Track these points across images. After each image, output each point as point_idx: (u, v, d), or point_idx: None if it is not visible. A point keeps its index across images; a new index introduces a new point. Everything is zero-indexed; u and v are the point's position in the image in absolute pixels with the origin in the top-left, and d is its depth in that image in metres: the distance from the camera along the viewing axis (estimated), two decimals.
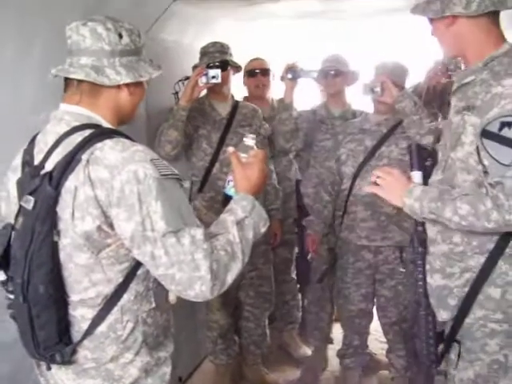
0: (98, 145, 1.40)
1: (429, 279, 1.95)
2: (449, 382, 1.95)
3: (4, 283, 1.50)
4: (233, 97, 3.29)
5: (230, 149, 1.64)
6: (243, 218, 1.49)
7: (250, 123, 3.24)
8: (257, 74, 3.55)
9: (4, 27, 2.03)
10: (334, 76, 3.34)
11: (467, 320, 1.84)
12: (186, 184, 1.49)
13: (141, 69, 1.53)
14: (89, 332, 1.46)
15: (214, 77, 2.90)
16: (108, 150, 1.39)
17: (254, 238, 1.51)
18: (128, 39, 1.51)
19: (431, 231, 1.94)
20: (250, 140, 1.66)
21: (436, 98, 3.63)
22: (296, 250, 3.79)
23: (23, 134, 2.02)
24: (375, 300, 3.22)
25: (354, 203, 3.07)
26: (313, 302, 3.63)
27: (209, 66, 2.99)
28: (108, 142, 1.41)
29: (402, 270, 3.04)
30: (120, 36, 1.50)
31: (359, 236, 3.07)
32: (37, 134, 1.56)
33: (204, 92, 3.17)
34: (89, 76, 1.47)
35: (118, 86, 1.51)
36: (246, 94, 3.69)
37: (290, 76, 3.13)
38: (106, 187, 1.36)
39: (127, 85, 1.52)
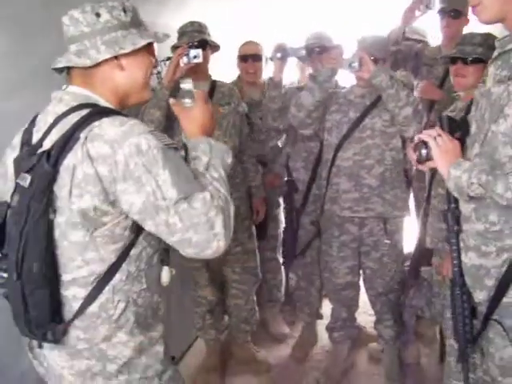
0: (96, 123, 1.41)
1: (463, 257, 1.89)
2: (487, 361, 1.91)
3: None
4: (210, 76, 3.28)
5: (171, 100, 1.68)
6: (209, 161, 1.50)
7: (228, 101, 3.24)
8: (248, 59, 3.59)
9: None
10: (319, 53, 3.33)
11: (505, 299, 1.79)
12: (182, 153, 1.52)
13: (127, 41, 1.52)
14: (80, 311, 1.46)
15: (195, 56, 2.90)
16: (106, 126, 1.40)
17: (226, 173, 1.54)
18: (108, 16, 1.51)
19: (465, 208, 1.86)
20: (187, 84, 1.67)
21: (410, 59, 3.67)
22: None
23: None
24: (361, 272, 3.25)
25: (336, 174, 3.08)
26: (302, 277, 3.67)
27: (189, 46, 2.98)
28: (105, 120, 1.42)
29: (386, 241, 3.08)
30: (98, 15, 1.50)
31: (342, 207, 3.08)
32: (38, 114, 1.56)
33: None
34: (70, 61, 1.50)
35: (109, 64, 1.52)
36: (234, 77, 3.74)
37: (279, 55, 3.18)
38: (109, 162, 1.36)
39: (117, 60, 1.52)
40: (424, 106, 3.02)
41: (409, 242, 3.30)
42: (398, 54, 3.26)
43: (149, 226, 1.41)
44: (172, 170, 1.37)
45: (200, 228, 1.36)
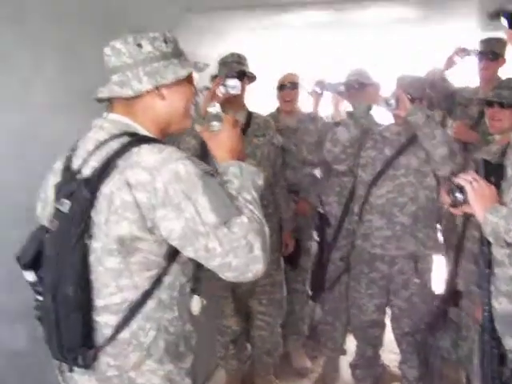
0: (135, 149, 1.43)
1: (494, 302, 1.87)
2: None
3: (34, 284, 1.52)
4: (246, 107, 3.31)
5: (198, 127, 1.72)
6: (241, 184, 1.50)
7: (263, 133, 3.27)
8: (285, 87, 3.73)
9: (20, 43, 2.11)
10: (357, 89, 3.36)
11: None
12: (218, 178, 1.53)
13: (168, 72, 1.54)
14: (112, 337, 1.46)
15: (233, 87, 2.93)
16: (145, 153, 1.42)
17: (258, 194, 1.53)
18: (150, 47, 1.53)
19: (498, 253, 1.84)
20: (213, 108, 1.68)
21: (445, 98, 3.72)
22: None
23: (37, 146, 2.05)
24: (389, 311, 3.21)
25: (369, 212, 3.07)
26: (329, 312, 3.64)
27: (227, 77, 3.02)
28: (144, 147, 1.44)
29: (416, 280, 3.04)
30: (139, 46, 1.52)
31: (373, 244, 3.06)
32: (78, 140, 1.58)
33: None
34: (112, 92, 1.53)
35: (150, 94, 1.53)
36: (271, 109, 3.84)
37: (317, 90, 3.30)
38: (148, 189, 1.37)
39: (158, 90, 1.53)
40: (458, 147, 3.02)
41: (437, 281, 3.26)
42: (434, 97, 3.35)
43: (188, 252, 1.41)
44: (211, 196, 1.38)
45: (239, 251, 1.36)
